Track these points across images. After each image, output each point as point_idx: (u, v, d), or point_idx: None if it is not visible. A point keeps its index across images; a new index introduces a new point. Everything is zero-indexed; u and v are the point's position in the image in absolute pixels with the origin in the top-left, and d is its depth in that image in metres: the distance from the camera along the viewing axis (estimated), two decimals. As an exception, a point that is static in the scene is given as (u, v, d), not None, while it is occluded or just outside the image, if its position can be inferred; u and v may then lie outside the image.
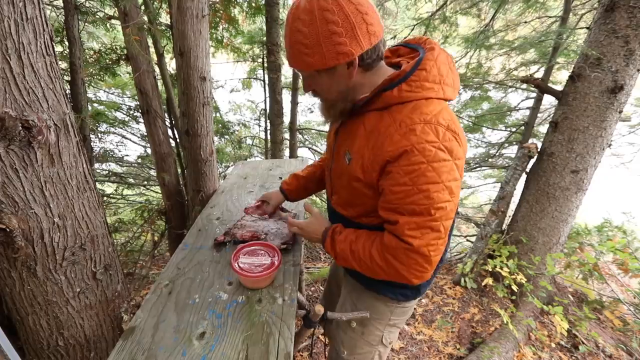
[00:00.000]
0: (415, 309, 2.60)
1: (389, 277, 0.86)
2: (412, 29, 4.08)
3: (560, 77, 4.00)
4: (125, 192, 4.00)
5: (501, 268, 2.41)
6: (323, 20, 0.72)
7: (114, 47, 2.75)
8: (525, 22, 3.93)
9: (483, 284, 2.58)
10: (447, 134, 0.74)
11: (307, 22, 0.73)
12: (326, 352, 2.05)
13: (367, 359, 1.19)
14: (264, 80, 4.28)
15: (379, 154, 0.79)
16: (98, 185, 3.56)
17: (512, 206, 2.79)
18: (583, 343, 2.19)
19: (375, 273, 0.88)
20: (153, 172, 4.10)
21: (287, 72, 4.75)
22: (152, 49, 2.54)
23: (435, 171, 0.73)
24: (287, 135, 4.14)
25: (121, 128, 3.94)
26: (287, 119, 4.02)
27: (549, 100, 3.86)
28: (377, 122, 0.83)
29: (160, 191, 2.95)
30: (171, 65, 3.04)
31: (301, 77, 0.89)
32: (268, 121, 3.91)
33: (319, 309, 1.12)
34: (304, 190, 1.34)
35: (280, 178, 1.89)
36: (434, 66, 0.78)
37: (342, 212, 1.02)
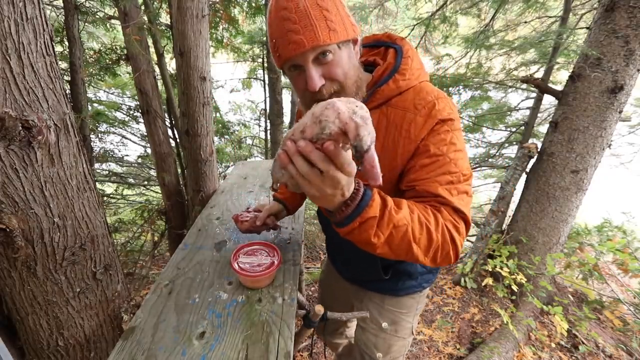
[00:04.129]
0: (415, 309, 2.60)
1: (444, 247, 0.70)
2: (412, 29, 4.08)
3: (560, 77, 4.00)
4: (125, 192, 4.00)
5: (501, 268, 2.41)
6: None
7: (114, 47, 2.75)
8: (525, 22, 3.93)
9: (483, 284, 2.58)
10: (452, 105, 0.79)
11: None
12: (326, 352, 2.06)
13: (401, 353, 1.20)
14: (264, 80, 4.28)
15: (409, 143, 0.78)
16: (98, 185, 3.56)
17: (512, 206, 2.79)
18: (583, 343, 2.19)
19: (433, 242, 0.69)
20: (153, 172, 4.10)
21: (287, 72, 4.74)
22: (152, 49, 2.54)
23: (457, 137, 0.77)
24: (287, 135, 4.12)
25: (121, 128, 3.94)
26: (287, 119, 4.03)
27: (549, 100, 3.86)
28: (385, 119, 0.82)
29: (160, 191, 2.95)
30: (171, 65, 3.04)
31: (312, 67, 0.71)
32: (268, 121, 3.91)
33: (319, 309, 1.12)
34: (300, 196, 1.24)
35: (280, 178, 1.88)
36: (414, 54, 0.84)
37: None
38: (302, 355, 2.08)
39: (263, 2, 3.37)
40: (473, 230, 4.77)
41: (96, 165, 3.61)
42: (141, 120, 3.21)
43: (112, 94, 4.12)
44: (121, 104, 3.94)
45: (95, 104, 3.54)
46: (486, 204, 4.91)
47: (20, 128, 0.73)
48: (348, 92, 0.75)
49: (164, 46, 2.68)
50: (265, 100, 4.21)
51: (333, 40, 0.69)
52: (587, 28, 2.25)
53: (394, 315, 1.13)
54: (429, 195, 0.74)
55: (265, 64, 3.84)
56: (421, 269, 1.06)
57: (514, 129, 4.26)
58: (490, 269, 2.49)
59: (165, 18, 3.01)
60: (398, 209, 0.66)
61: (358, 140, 0.48)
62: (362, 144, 0.48)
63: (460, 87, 4.23)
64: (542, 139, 2.49)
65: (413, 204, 0.71)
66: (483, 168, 4.76)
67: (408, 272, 1.05)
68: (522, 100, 4.21)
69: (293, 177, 0.56)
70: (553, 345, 2.23)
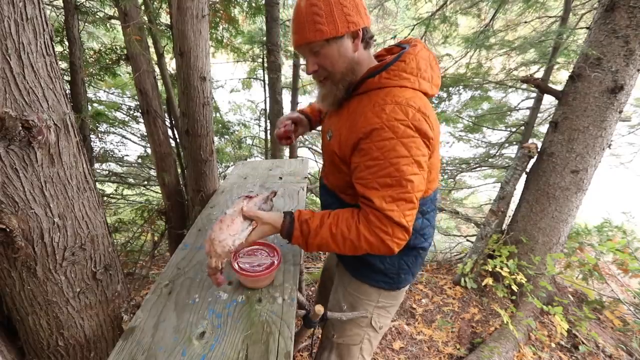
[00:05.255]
0: (415, 308, 2.60)
1: (373, 250, 0.88)
2: (412, 29, 4.09)
3: (560, 77, 4.00)
4: (125, 192, 4.00)
5: (501, 268, 2.41)
6: None
7: (114, 47, 2.75)
8: (525, 22, 3.93)
9: (483, 284, 2.58)
10: (417, 115, 0.82)
11: None
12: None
13: (355, 342, 1.21)
14: (264, 80, 4.28)
15: (353, 131, 0.88)
16: (98, 185, 3.56)
17: (512, 206, 2.79)
18: (583, 343, 2.19)
19: (360, 249, 0.89)
20: (153, 172, 4.10)
21: (287, 72, 4.75)
22: (152, 49, 2.54)
23: (404, 146, 0.81)
24: (287, 135, 4.12)
25: (121, 128, 3.94)
26: (287, 119, 4.01)
27: (549, 100, 3.86)
28: (357, 104, 0.92)
29: (160, 191, 2.95)
30: (171, 65, 3.04)
31: (306, 59, 0.92)
32: (268, 121, 3.91)
33: (319, 309, 1.12)
34: (316, 113, 1.32)
35: (280, 178, 1.89)
36: (413, 59, 0.89)
37: (327, 184, 1.13)
38: (302, 355, 2.08)
39: (263, 2, 3.37)
40: (473, 230, 4.77)
41: (96, 165, 3.61)
42: (141, 120, 3.21)
43: (112, 94, 4.12)
44: (121, 104, 3.94)
45: (95, 104, 3.54)
46: (486, 204, 4.91)
47: (20, 128, 0.73)
48: (334, 78, 0.91)
49: (164, 46, 2.68)
50: (265, 100, 4.21)
51: (318, 38, 0.85)
52: (587, 28, 2.25)
53: (353, 299, 1.17)
54: (364, 198, 0.87)
55: (265, 64, 3.83)
56: (383, 268, 1.08)
57: (514, 129, 4.26)
58: (490, 269, 2.49)
59: (165, 18, 3.01)
60: (315, 235, 0.90)
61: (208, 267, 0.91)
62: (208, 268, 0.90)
63: (460, 87, 4.23)
64: (542, 139, 2.49)
65: (338, 218, 0.90)
66: (483, 168, 4.76)
67: (367, 262, 1.08)
68: (522, 100, 4.21)
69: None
70: (553, 345, 2.23)
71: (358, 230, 0.87)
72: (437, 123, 0.90)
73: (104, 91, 4.02)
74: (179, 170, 2.76)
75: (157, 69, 2.57)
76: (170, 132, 2.71)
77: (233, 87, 4.89)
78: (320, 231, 0.90)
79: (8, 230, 0.77)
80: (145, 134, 3.02)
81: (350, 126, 0.90)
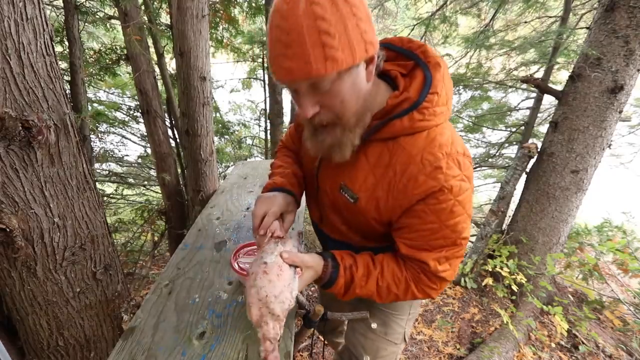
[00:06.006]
0: (415, 309, 2.60)
1: (414, 299, 0.82)
2: (412, 29, 4.08)
3: (560, 77, 4.00)
4: (125, 192, 4.00)
5: (501, 268, 2.41)
6: (344, 1, 0.56)
7: (114, 47, 2.75)
8: (525, 22, 3.93)
9: (483, 284, 2.58)
10: (466, 161, 0.70)
11: (327, 5, 0.54)
12: (325, 352, 2.06)
13: None
14: (264, 80, 4.28)
15: (402, 198, 0.72)
16: (98, 185, 3.56)
17: (512, 206, 2.79)
18: (583, 343, 2.19)
19: (401, 300, 0.82)
20: (153, 172, 4.10)
21: (287, 72, 4.73)
22: (152, 49, 2.54)
23: (460, 204, 0.70)
24: (287, 135, 4.12)
25: (121, 128, 3.94)
26: (287, 119, 4.02)
27: (549, 100, 3.86)
28: (387, 157, 0.73)
29: (160, 191, 2.95)
30: (171, 65, 3.04)
31: (297, 93, 0.65)
32: (268, 121, 3.91)
33: (319, 309, 1.12)
34: (299, 186, 0.99)
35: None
36: (443, 88, 0.69)
37: (337, 238, 0.95)
38: (302, 355, 2.08)
39: (263, 2, 3.37)
40: (473, 230, 4.78)
41: (96, 165, 3.61)
42: (141, 120, 3.21)
43: (112, 94, 4.12)
44: (121, 104, 3.94)
45: (95, 104, 3.54)
46: (486, 204, 4.91)
47: (20, 128, 0.73)
48: (345, 124, 0.67)
49: (164, 46, 2.68)
50: (265, 100, 4.21)
51: (329, 70, 0.57)
52: (587, 28, 2.25)
53: (384, 316, 1.09)
54: (415, 260, 0.77)
55: (265, 64, 3.84)
56: None
57: (514, 129, 4.26)
58: (490, 269, 2.49)
59: (165, 18, 3.01)
60: (360, 287, 0.79)
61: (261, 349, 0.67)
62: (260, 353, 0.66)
63: (460, 87, 4.23)
64: (542, 139, 2.49)
65: (383, 269, 0.79)
66: (483, 168, 4.76)
67: None
68: (522, 100, 4.21)
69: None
70: (553, 345, 2.23)
71: (408, 287, 0.78)
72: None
73: (104, 91, 4.02)
74: (179, 170, 2.76)
75: (157, 69, 2.57)
76: (170, 132, 2.71)
77: (233, 87, 4.88)
78: (367, 283, 0.78)
79: (8, 230, 0.77)
80: (145, 134, 3.03)
81: (389, 189, 0.73)
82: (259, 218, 0.80)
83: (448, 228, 0.71)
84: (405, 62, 0.75)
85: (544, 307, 2.14)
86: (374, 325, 1.09)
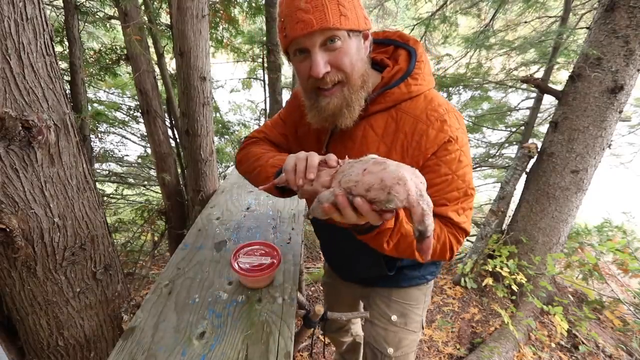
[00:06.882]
0: (415, 309, 2.60)
1: (435, 255, 0.80)
2: (412, 29, 4.08)
3: (560, 77, 4.00)
4: (125, 192, 4.00)
5: (501, 268, 2.41)
6: None
7: (114, 47, 2.75)
8: (525, 22, 3.93)
9: (483, 284, 2.58)
10: (460, 118, 0.80)
11: None
12: (325, 352, 2.06)
13: (412, 349, 1.17)
14: (264, 80, 4.27)
15: (417, 155, 0.77)
16: (98, 185, 3.56)
17: (512, 206, 2.79)
18: (583, 343, 2.19)
19: (436, 256, 0.82)
20: (153, 172, 4.10)
21: (287, 72, 4.74)
22: (152, 49, 2.54)
23: (464, 155, 0.78)
24: (287, 135, 4.12)
25: (121, 128, 3.94)
26: (287, 119, 4.01)
27: (549, 100, 3.86)
28: (393, 125, 0.79)
29: (160, 191, 2.95)
30: (171, 65, 3.04)
31: (310, 53, 0.69)
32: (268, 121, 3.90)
33: (319, 309, 1.12)
34: None
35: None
36: (427, 59, 0.82)
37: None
38: (302, 355, 2.08)
39: (263, 2, 3.37)
40: (473, 230, 4.77)
41: (96, 165, 3.61)
42: (141, 120, 3.21)
43: (112, 94, 4.11)
44: (121, 104, 3.94)
45: (95, 104, 3.54)
46: (486, 204, 4.91)
47: (20, 128, 0.73)
48: (353, 84, 0.73)
49: (164, 46, 2.68)
50: (265, 100, 4.21)
51: (344, 25, 0.67)
52: (587, 28, 2.25)
53: (402, 308, 1.12)
54: (439, 215, 0.79)
55: (265, 64, 3.83)
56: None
57: (514, 129, 4.26)
58: (490, 269, 2.49)
59: (165, 18, 3.01)
60: (407, 221, 0.74)
61: (423, 226, 0.52)
62: (427, 231, 0.52)
63: (460, 87, 4.23)
64: (542, 139, 2.49)
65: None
66: (483, 168, 4.76)
67: (410, 264, 1.05)
68: (522, 100, 4.21)
69: (328, 215, 0.58)
70: (553, 345, 2.23)
71: (441, 230, 0.78)
72: None
73: (104, 91, 4.01)
74: (179, 170, 2.75)
75: (157, 69, 2.57)
76: (170, 132, 2.71)
77: (233, 87, 4.88)
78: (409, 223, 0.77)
79: (8, 230, 0.77)
80: (145, 134, 3.02)
81: (403, 150, 0.78)
82: (302, 160, 0.66)
83: (459, 178, 0.78)
84: (384, 49, 0.88)
85: (544, 307, 2.14)
86: (394, 318, 1.12)
